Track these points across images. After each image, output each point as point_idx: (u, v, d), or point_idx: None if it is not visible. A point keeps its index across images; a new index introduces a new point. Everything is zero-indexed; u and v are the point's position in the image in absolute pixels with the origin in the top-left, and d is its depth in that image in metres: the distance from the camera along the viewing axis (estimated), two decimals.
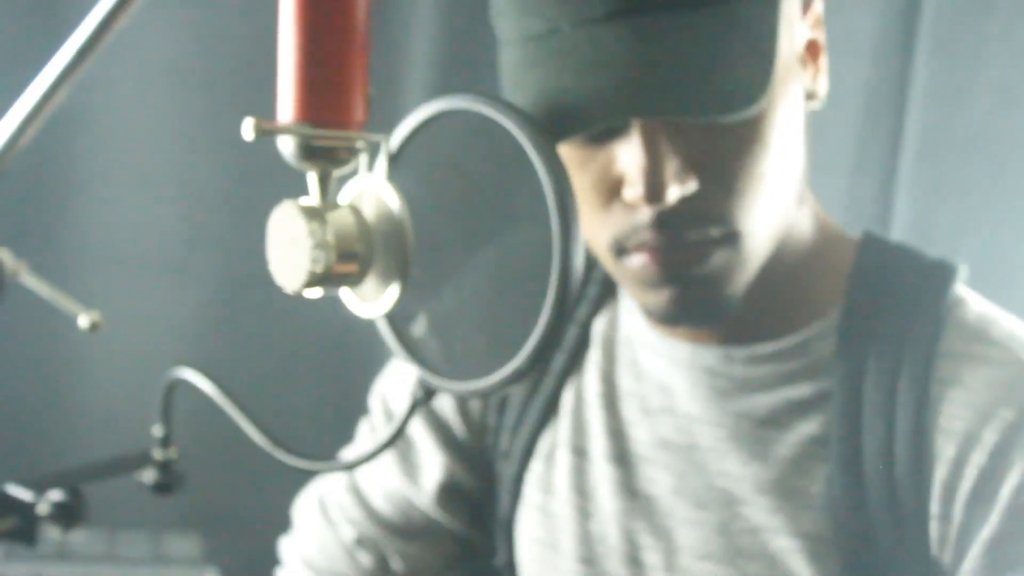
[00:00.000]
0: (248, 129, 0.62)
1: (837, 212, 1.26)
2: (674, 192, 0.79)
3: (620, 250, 0.84)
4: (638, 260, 0.83)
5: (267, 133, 0.63)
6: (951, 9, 1.48)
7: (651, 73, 0.75)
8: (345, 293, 0.67)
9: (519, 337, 0.61)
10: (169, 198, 1.60)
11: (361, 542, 1.09)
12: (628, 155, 0.80)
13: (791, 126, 0.84)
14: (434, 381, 0.67)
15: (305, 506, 1.14)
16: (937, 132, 1.50)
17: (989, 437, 0.84)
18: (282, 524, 1.17)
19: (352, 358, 1.56)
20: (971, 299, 0.92)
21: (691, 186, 0.80)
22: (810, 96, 0.88)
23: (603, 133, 0.81)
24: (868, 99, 1.55)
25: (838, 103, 1.57)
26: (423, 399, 0.68)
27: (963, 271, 0.93)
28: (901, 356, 0.88)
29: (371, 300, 0.66)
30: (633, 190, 0.80)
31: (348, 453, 1.12)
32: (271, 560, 1.16)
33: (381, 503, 1.08)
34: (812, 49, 0.88)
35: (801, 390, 0.91)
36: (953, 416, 0.86)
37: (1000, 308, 0.93)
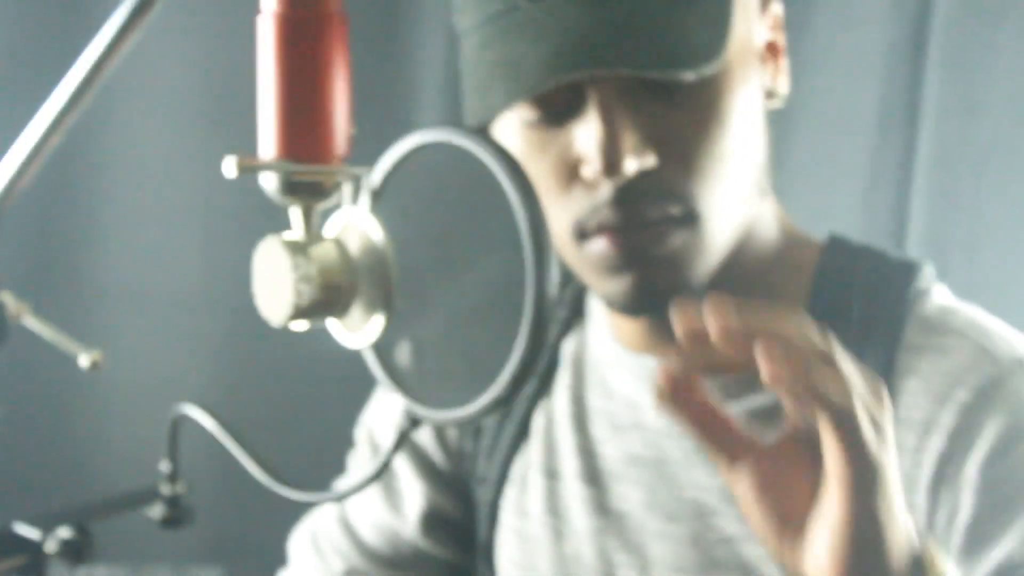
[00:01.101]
0: (230, 166, 0.63)
1: (852, 227, 1.26)
2: (632, 164, 0.80)
3: (581, 234, 0.85)
4: (598, 245, 0.84)
5: (249, 170, 0.63)
6: (961, 23, 1.47)
7: (604, 34, 0.77)
8: (332, 324, 0.68)
9: (498, 366, 0.61)
10: (180, 233, 1.61)
11: (351, 575, 1.09)
12: (586, 132, 0.82)
13: (750, 113, 0.86)
14: (417, 410, 0.67)
15: (298, 539, 1.14)
16: (950, 146, 1.50)
17: (946, 420, 0.84)
18: None
19: (368, 390, 1.57)
20: (935, 293, 0.92)
21: (649, 160, 0.81)
22: (770, 94, 0.89)
23: (561, 114, 0.83)
24: (880, 114, 1.54)
25: (851, 118, 1.58)
26: (409, 429, 0.69)
27: (928, 268, 0.93)
28: (863, 355, 0.87)
29: (357, 331, 0.67)
30: (591, 166, 0.81)
31: (340, 485, 1.13)
32: None
33: (369, 535, 1.09)
34: (772, 49, 0.90)
35: (765, 397, 0.90)
36: (912, 406, 0.86)
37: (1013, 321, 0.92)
